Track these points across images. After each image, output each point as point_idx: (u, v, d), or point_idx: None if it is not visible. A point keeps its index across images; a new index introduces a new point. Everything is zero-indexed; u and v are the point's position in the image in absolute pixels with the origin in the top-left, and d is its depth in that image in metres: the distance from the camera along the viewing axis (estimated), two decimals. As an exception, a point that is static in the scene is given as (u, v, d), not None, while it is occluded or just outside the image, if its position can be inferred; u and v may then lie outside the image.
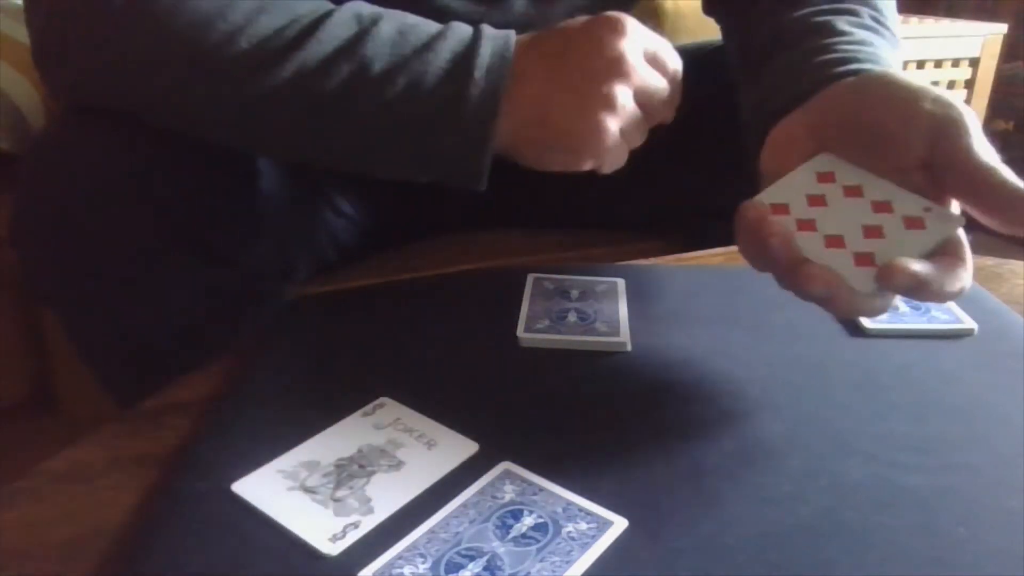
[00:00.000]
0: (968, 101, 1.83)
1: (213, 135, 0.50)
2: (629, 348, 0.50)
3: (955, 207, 0.42)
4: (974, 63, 1.81)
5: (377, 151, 0.50)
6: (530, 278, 0.57)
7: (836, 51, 0.49)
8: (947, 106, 0.41)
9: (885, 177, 0.43)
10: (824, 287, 0.39)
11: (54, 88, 0.55)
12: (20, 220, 0.54)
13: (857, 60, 0.47)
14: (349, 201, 0.75)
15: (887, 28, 0.53)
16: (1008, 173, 0.39)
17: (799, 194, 0.43)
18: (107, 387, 0.59)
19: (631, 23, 0.49)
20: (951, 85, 1.82)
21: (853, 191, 0.43)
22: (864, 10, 0.53)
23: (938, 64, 1.78)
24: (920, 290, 0.38)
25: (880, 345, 0.50)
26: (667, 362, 0.49)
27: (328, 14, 0.47)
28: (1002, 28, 1.80)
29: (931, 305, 0.54)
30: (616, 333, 0.50)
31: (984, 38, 1.79)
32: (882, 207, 0.42)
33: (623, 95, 0.48)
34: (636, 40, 0.49)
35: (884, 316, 0.53)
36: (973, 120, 0.41)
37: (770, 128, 0.47)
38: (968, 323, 0.52)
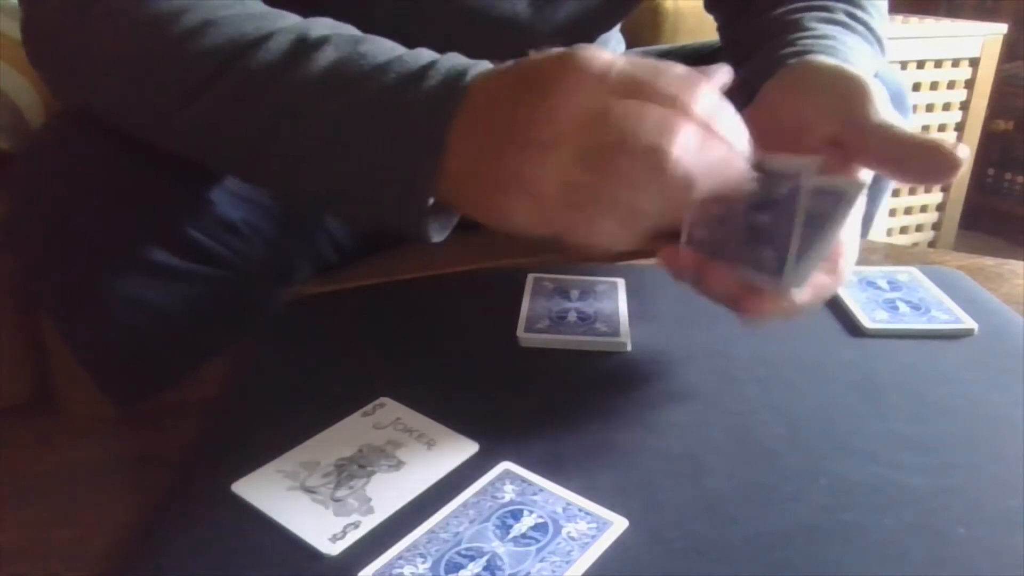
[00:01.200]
0: (968, 101, 1.83)
1: (161, 142, 0.49)
2: (629, 348, 0.50)
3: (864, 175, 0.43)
4: (974, 63, 1.81)
5: (312, 185, 0.45)
6: (530, 278, 0.57)
7: (794, 46, 0.50)
8: (850, 80, 0.43)
9: None
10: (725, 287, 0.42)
11: (47, 85, 0.55)
12: (15, 223, 0.54)
13: (810, 52, 0.48)
14: None
15: (861, 23, 0.54)
16: (907, 128, 0.40)
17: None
18: (104, 390, 0.59)
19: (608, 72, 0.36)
20: (951, 85, 1.82)
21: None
22: (839, 6, 0.54)
23: (938, 64, 1.78)
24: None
25: (880, 345, 0.50)
26: (667, 362, 0.49)
27: (268, 36, 0.43)
28: (1002, 28, 1.80)
29: (931, 305, 0.54)
30: (616, 333, 0.50)
31: (984, 38, 1.79)
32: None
33: (537, 174, 0.37)
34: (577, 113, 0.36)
35: (884, 316, 0.53)
36: (879, 91, 0.42)
37: None
38: (968, 323, 0.52)
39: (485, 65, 0.41)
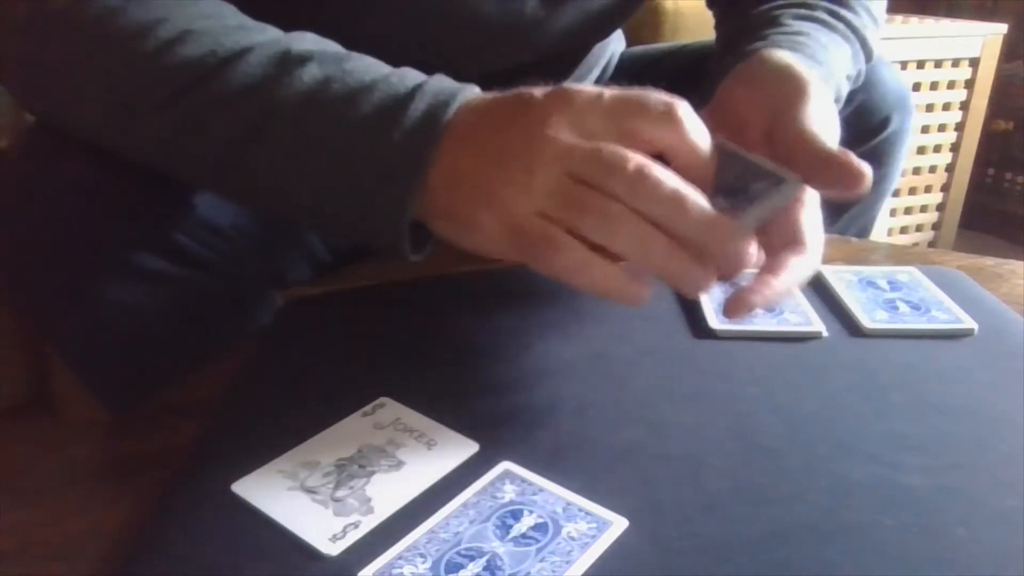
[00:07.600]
0: (968, 101, 1.84)
1: (133, 155, 0.48)
2: (826, 334, 0.51)
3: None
4: (974, 63, 1.81)
5: (289, 200, 0.45)
6: None
7: (763, 40, 0.51)
8: (792, 78, 0.44)
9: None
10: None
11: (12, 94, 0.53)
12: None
13: (776, 46, 0.49)
14: None
15: (842, 20, 0.55)
16: (826, 137, 0.41)
17: None
18: (96, 395, 0.58)
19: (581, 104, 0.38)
20: (951, 85, 1.82)
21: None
22: (822, 4, 0.55)
23: (938, 64, 1.78)
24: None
25: (880, 345, 0.50)
26: (667, 362, 0.48)
27: (249, 49, 0.42)
28: (1002, 28, 1.80)
29: (931, 305, 0.54)
30: (809, 322, 0.52)
31: (984, 38, 1.79)
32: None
33: (513, 198, 0.38)
34: (574, 122, 0.37)
35: (884, 316, 0.53)
36: (819, 94, 0.43)
37: None
38: (968, 323, 0.52)
39: (473, 90, 0.41)
